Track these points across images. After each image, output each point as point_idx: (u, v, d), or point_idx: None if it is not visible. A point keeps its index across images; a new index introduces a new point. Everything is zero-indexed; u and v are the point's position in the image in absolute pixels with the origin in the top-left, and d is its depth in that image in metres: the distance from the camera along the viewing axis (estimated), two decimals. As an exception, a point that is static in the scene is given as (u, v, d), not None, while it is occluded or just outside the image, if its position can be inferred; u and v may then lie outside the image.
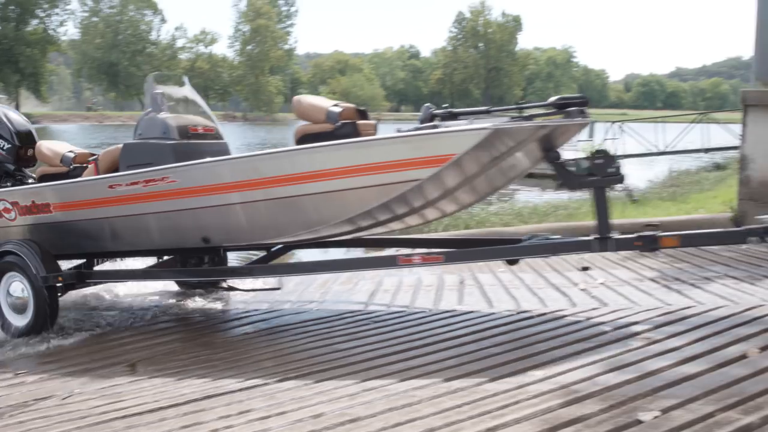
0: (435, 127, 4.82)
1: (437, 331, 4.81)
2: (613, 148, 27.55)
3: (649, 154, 28.41)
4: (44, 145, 6.51)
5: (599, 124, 29.27)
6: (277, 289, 6.83)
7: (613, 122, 28.48)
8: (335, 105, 5.38)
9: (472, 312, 5.38)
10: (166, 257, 6.51)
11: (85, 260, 6.41)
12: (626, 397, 3.25)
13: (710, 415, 3.00)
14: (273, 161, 5.18)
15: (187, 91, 6.37)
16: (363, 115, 5.43)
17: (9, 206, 6.19)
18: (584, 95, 5.00)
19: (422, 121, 4.99)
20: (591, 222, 9.47)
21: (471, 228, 10.27)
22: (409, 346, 4.46)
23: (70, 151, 6.41)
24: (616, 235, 4.64)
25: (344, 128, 5.19)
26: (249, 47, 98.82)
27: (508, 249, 5.23)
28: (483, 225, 10.57)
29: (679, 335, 4.19)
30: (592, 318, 4.83)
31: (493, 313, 5.29)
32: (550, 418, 3.08)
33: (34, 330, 5.85)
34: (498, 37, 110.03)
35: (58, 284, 5.86)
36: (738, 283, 5.42)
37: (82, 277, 6.13)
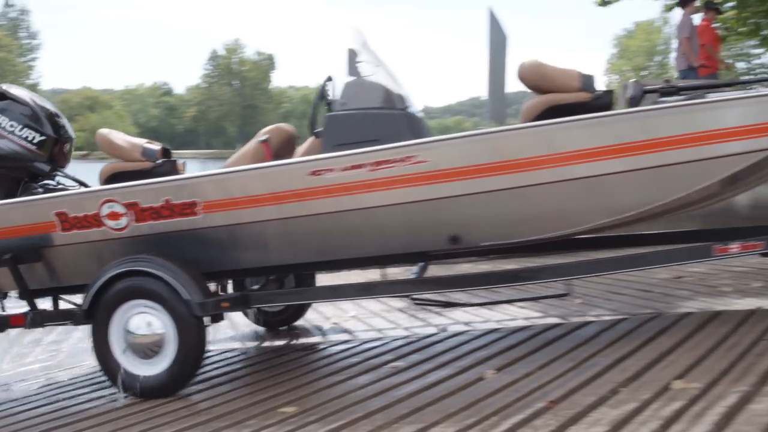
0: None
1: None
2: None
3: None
4: (113, 135, 4.98)
5: None
6: (565, 294, 5.14)
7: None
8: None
9: (224, 352, 5.33)
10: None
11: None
12: (374, 427, 3.34)
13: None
14: (576, 131, 4.06)
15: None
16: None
17: (121, 210, 4.40)
18: None
19: (632, 99, 4.33)
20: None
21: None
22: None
23: (149, 143, 4.96)
24: None
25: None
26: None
27: None
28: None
29: (423, 362, 4.38)
30: (341, 351, 4.95)
31: (244, 352, 5.27)
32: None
33: (175, 381, 4.27)
34: (253, 75, 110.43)
35: (216, 314, 4.35)
36: (478, 309, 5.76)
37: (247, 301, 4.71)
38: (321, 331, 5.67)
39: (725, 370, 3.45)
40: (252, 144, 4.82)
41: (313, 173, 4.15)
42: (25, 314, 4.69)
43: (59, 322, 4.83)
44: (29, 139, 4.73)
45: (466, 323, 5.31)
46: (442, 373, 4.08)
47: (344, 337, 5.40)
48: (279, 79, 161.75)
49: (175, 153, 4.90)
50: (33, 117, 4.80)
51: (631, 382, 3.49)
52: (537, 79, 4.53)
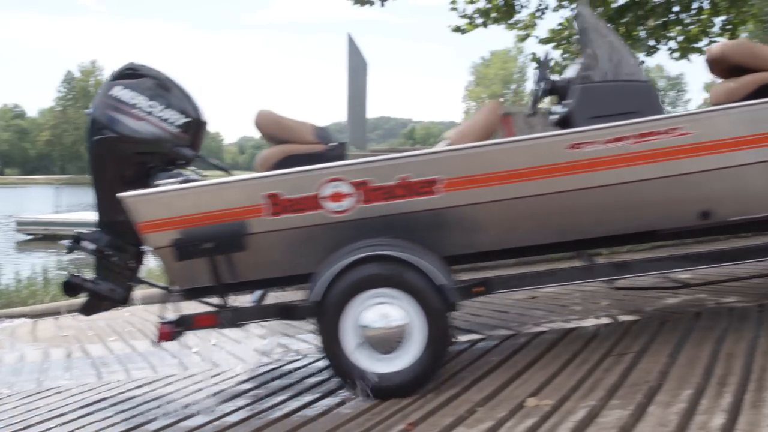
0: None
1: (40, 411, 4.51)
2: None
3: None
4: (280, 116, 4.44)
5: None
6: None
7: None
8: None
9: (80, 385, 5.14)
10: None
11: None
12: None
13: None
14: None
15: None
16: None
17: (347, 189, 3.93)
18: None
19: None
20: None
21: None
22: None
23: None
24: None
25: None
26: None
27: None
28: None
29: (284, 389, 4.35)
30: (203, 380, 4.85)
31: (103, 385, 5.10)
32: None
33: (421, 377, 3.83)
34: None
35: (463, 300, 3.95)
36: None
37: (490, 287, 4.14)
38: (181, 362, 5.54)
39: (575, 387, 3.59)
40: (481, 118, 4.51)
41: (573, 146, 3.90)
42: (216, 312, 4.19)
43: (260, 319, 4.32)
44: (171, 121, 4.24)
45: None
46: (304, 399, 4.07)
47: (206, 366, 5.30)
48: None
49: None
50: (173, 96, 4.30)
51: (488, 401, 3.59)
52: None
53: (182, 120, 4.26)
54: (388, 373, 3.81)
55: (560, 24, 14.29)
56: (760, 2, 14.46)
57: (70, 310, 8.28)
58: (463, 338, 5.04)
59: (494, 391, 3.72)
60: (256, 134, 4.47)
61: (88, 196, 4.68)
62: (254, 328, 6.36)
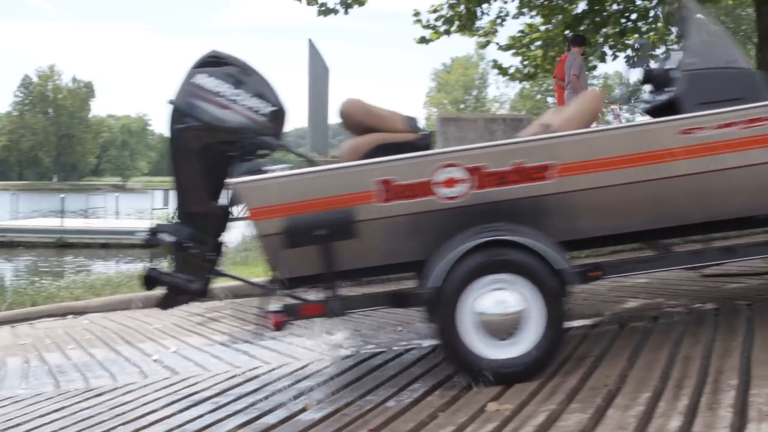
0: None
1: (-5, 421, 4.45)
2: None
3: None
4: (370, 105, 4.39)
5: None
6: None
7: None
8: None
9: (37, 395, 5.06)
10: None
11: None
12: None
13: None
14: None
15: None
16: None
17: (461, 175, 3.88)
18: None
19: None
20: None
21: (39, 304, 9.66)
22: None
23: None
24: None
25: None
26: None
27: None
28: (52, 300, 10.00)
29: (246, 396, 4.33)
30: (163, 388, 4.81)
31: (60, 394, 5.03)
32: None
33: (540, 362, 3.79)
34: (69, 103, 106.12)
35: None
36: (301, 340, 5.76)
37: (604, 272, 4.14)
38: (141, 370, 5.48)
39: (535, 391, 3.62)
40: (586, 105, 4.54)
41: (684, 132, 3.93)
42: (325, 302, 4.05)
43: (368, 308, 4.30)
44: (256, 109, 4.11)
45: (290, 355, 5.30)
46: (265, 407, 4.06)
47: (166, 374, 5.25)
48: (98, 108, 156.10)
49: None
50: (257, 84, 4.17)
51: (449, 406, 3.61)
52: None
53: (268, 108, 4.16)
54: (506, 359, 3.77)
55: (520, 31, 14.44)
56: (713, 12, 14.71)
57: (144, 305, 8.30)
58: (425, 344, 5.06)
59: (455, 396, 3.74)
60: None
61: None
62: (217, 336, 6.33)
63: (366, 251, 4.03)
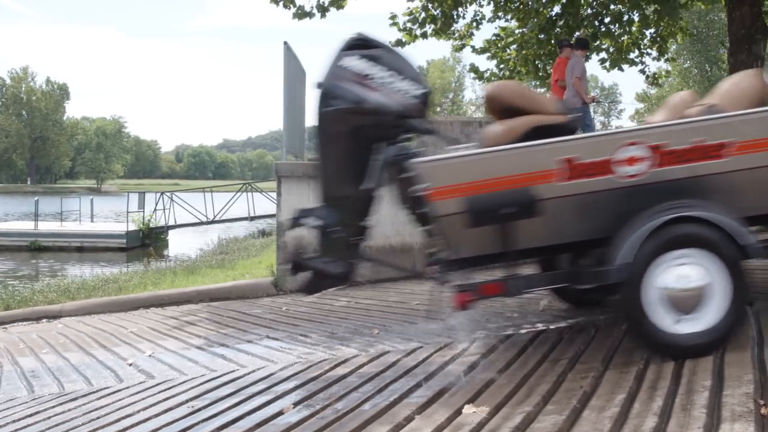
0: None
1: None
2: (164, 219, 27.99)
3: (200, 223, 29.26)
4: (524, 88, 4.38)
5: (149, 195, 29.46)
6: None
7: (162, 193, 28.95)
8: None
9: (11, 400, 5.02)
10: None
11: None
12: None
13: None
14: None
15: None
16: None
17: (642, 153, 3.92)
18: None
19: None
20: (141, 294, 9.45)
21: (12, 308, 9.58)
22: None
23: None
24: None
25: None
26: None
27: None
28: (26, 304, 9.93)
29: (222, 400, 4.31)
30: (139, 392, 4.78)
31: (35, 399, 4.99)
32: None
33: (722, 336, 3.77)
34: (43, 105, 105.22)
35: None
36: (278, 343, 5.75)
37: None
38: (116, 374, 5.45)
39: (511, 393, 3.64)
40: (752, 84, 4.51)
41: None
42: (505, 280, 4.06)
43: (548, 286, 4.37)
44: (406, 92, 4.05)
45: (267, 359, 5.28)
46: (242, 410, 4.04)
47: (141, 378, 5.22)
48: (72, 110, 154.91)
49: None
50: (406, 67, 4.12)
51: (425, 408, 3.62)
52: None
53: (418, 91, 4.12)
54: (689, 334, 3.77)
55: (495, 35, 14.52)
56: (688, 16, 14.83)
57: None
58: (401, 346, 5.07)
59: (431, 399, 3.75)
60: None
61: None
62: (193, 340, 6.30)
63: (542, 230, 4.05)
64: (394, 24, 13.56)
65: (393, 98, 4.08)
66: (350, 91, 4.08)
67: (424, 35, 13.59)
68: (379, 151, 4.18)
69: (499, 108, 4.53)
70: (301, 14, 12.58)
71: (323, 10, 12.60)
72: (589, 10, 13.50)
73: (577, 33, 13.19)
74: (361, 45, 4.24)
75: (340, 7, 12.71)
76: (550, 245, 4.17)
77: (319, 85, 4.17)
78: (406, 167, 3.98)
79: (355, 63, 4.11)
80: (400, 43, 13.56)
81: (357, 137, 4.18)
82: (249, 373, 4.91)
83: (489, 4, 13.96)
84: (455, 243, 4.07)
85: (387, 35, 13.31)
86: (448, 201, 3.91)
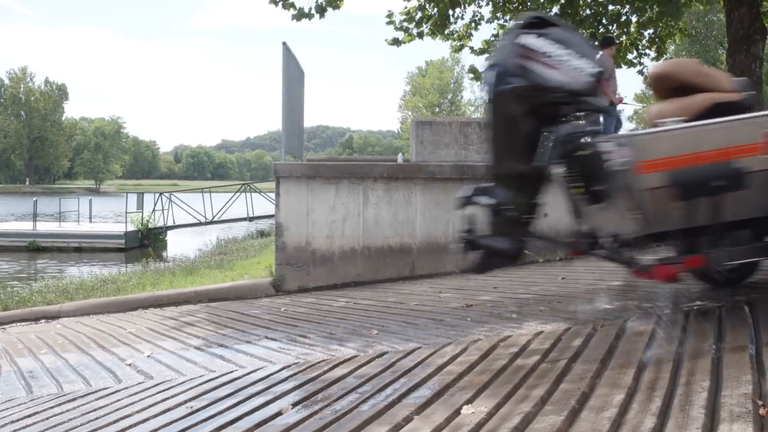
0: None
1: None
2: (162, 219, 27.99)
3: (198, 224, 29.26)
4: (700, 66, 4.45)
5: (148, 195, 29.48)
6: None
7: (161, 193, 28.95)
8: None
9: (9, 400, 5.01)
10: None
11: None
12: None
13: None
14: None
15: None
16: None
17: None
18: None
19: None
20: (140, 294, 9.45)
21: (11, 309, 9.58)
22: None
23: None
24: None
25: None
26: None
27: None
28: (25, 304, 9.92)
29: (221, 400, 4.31)
30: (137, 393, 4.78)
31: (33, 400, 4.98)
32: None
33: None
34: (42, 106, 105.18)
35: None
36: (276, 344, 5.75)
37: None
38: (115, 375, 5.44)
39: (510, 393, 3.64)
40: None
41: None
42: (708, 253, 4.10)
43: (749, 258, 4.34)
44: (583, 70, 4.03)
45: (265, 359, 5.28)
46: (240, 411, 4.04)
47: (140, 378, 5.22)
48: (71, 111, 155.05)
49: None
50: (582, 46, 4.13)
51: (424, 409, 3.61)
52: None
53: (594, 69, 4.10)
54: None
55: (494, 35, 14.52)
56: (687, 16, 14.82)
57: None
58: (400, 347, 5.07)
59: (430, 399, 3.74)
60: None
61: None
62: (192, 340, 6.30)
63: (743, 203, 4.07)
64: (391, 22, 13.54)
65: (571, 76, 4.07)
66: (529, 69, 4.07)
67: (421, 35, 13.58)
68: (551, 128, 4.19)
69: (673, 86, 4.54)
70: (300, 15, 12.58)
71: (322, 10, 12.60)
72: (588, 11, 13.50)
73: (582, 31, 13.18)
74: (537, 24, 4.25)
75: (336, 7, 12.70)
76: (754, 218, 4.17)
77: (493, 66, 4.17)
78: (581, 145, 4.01)
79: (533, 41, 4.11)
80: (396, 41, 13.55)
81: (532, 115, 4.17)
82: (248, 374, 4.91)
83: (488, 4, 13.97)
84: (653, 217, 4.07)
85: (384, 34, 13.35)
86: (654, 174, 3.94)
